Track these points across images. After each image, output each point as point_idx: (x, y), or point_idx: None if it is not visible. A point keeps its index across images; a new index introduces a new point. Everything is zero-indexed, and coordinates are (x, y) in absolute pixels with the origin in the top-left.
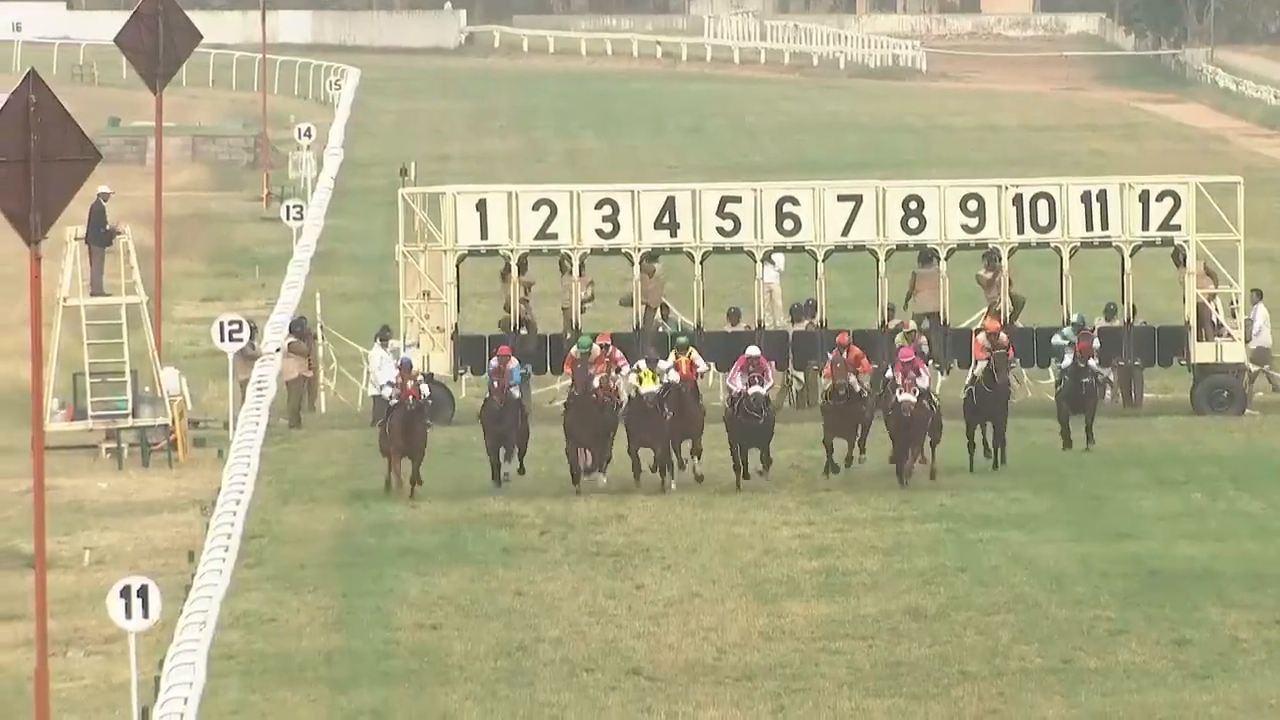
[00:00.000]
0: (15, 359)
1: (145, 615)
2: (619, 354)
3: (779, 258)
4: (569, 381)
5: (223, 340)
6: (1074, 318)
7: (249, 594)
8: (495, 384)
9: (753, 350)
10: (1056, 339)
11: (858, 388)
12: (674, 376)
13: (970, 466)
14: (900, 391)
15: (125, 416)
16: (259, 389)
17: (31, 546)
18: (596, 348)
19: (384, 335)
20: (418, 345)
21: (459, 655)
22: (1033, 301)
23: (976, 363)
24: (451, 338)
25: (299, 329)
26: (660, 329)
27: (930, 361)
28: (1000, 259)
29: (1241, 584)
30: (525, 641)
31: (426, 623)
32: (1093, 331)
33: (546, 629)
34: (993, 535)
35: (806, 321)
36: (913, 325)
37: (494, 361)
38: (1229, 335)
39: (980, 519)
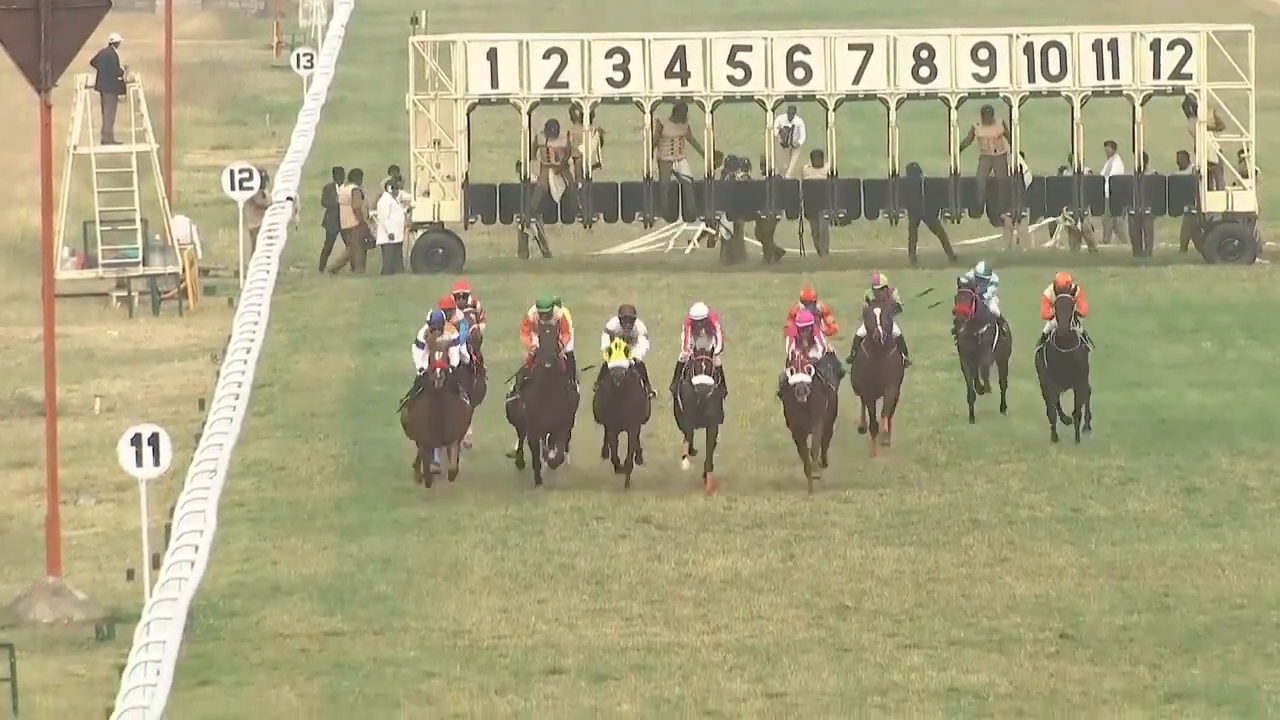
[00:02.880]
0: (26, 207)
1: (156, 463)
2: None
3: (800, 127)
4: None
5: (233, 189)
6: (979, 267)
7: (259, 442)
8: (429, 355)
9: (699, 310)
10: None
11: (829, 346)
12: (645, 348)
13: (1053, 435)
14: (793, 372)
15: (136, 264)
16: (269, 237)
17: (42, 394)
18: (561, 311)
19: (393, 182)
20: (427, 194)
21: (469, 503)
22: (1043, 150)
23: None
24: (462, 186)
25: (356, 180)
26: (673, 178)
27: (901, 311)
28: (995, 113)
29: (1251, 432)
30: (535, 490)
31: (437, 470)
32: (973, 288)
33: (556, 477)
34: None
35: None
36: (883, 279)
37: (424, 326)
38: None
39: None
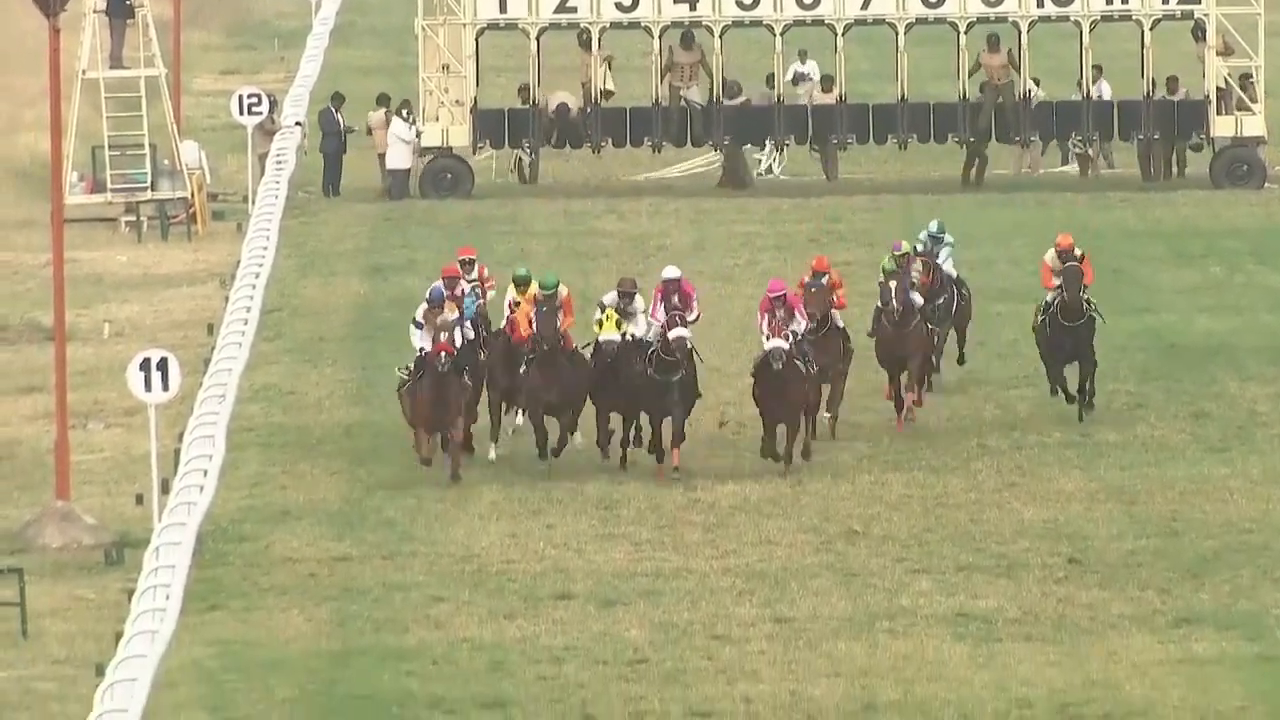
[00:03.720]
0: (35, 132)
1: (165, 388)
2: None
3: (814, 69)
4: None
5: (241, 114)
6: (931, 226)
7: (268, 367)
8: (431, 336)
9: (671, 270)
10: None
11: (840, 322)
12: (641, 326)
13: (1052, 390)
14: (769, 338)
15: (144, 189)
16: (278, 162)
17: (51, 319)
18: (564, 289)
19: (404, 110)
20: (436, 119)
21: (479, 430)
22: (1052, 75)
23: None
24: (470, 112)
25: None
26: (683, 104)
27: (917, 286)
28: (1000, 41)
29: (1260, 357)
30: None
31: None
32: (929, 253)
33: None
34: (1010, 309)
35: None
36: (905, 247)
37: (422, 307)
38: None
39: (1000, 292)
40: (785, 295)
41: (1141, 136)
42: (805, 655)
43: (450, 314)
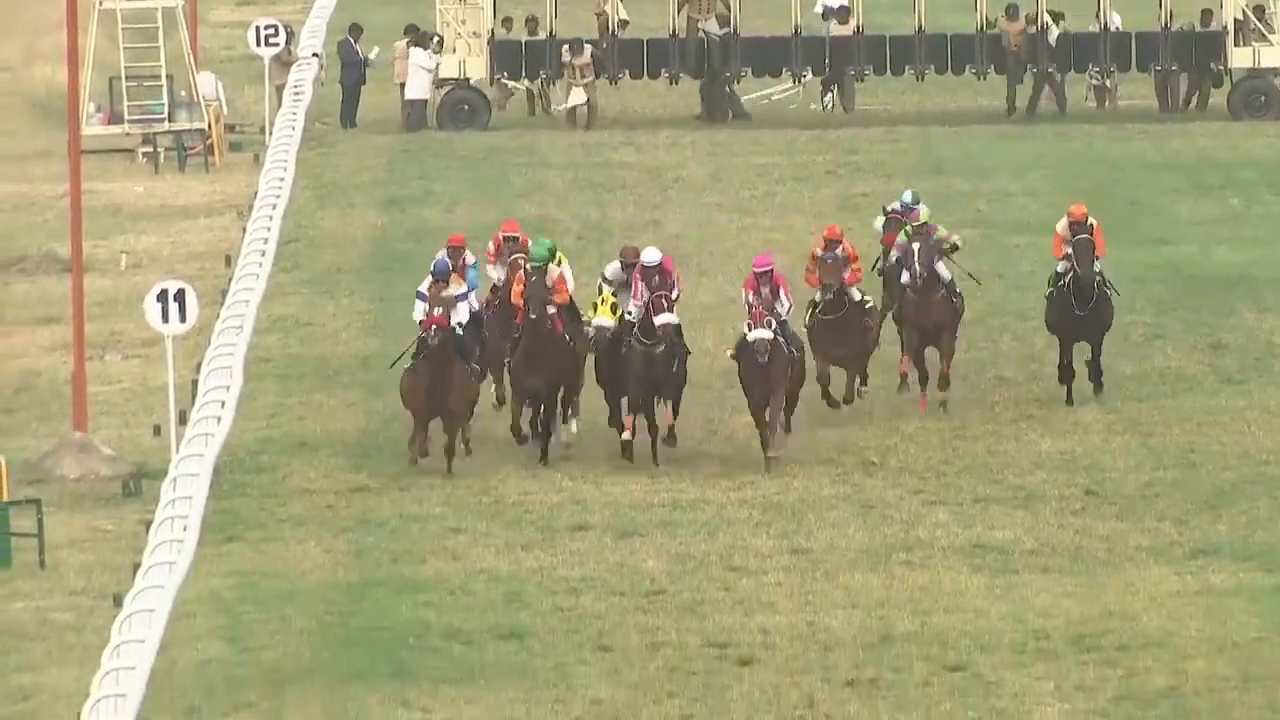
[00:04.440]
0: (52, 62)
1: (182, 319)
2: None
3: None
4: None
5: (259, 44)
6: (905, 196)
7: (285, 298)
8: (430, 311)
9: (651, 255)
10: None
11: (858, 296)
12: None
13: (1068, 398)
14: (751, 327)
15: (161, 120)
16: (295, 94)
17: (69, 250)
18: (554, 268)
19: (421, 39)
20: (454, 50)
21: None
22: (1069, 8)
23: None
24: (488, 43)
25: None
26: (701, 35)
27: (954, 250)
28: (1020, 11)
29: (1278, 288)
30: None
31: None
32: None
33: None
34: (1029, 241)
35: None
36: (924, 215)
37: (427, 280)
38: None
39: (1017, 224)
40: (772, 271)
41: (1159, 68)
42: (822, 586)
43: (456, 287)
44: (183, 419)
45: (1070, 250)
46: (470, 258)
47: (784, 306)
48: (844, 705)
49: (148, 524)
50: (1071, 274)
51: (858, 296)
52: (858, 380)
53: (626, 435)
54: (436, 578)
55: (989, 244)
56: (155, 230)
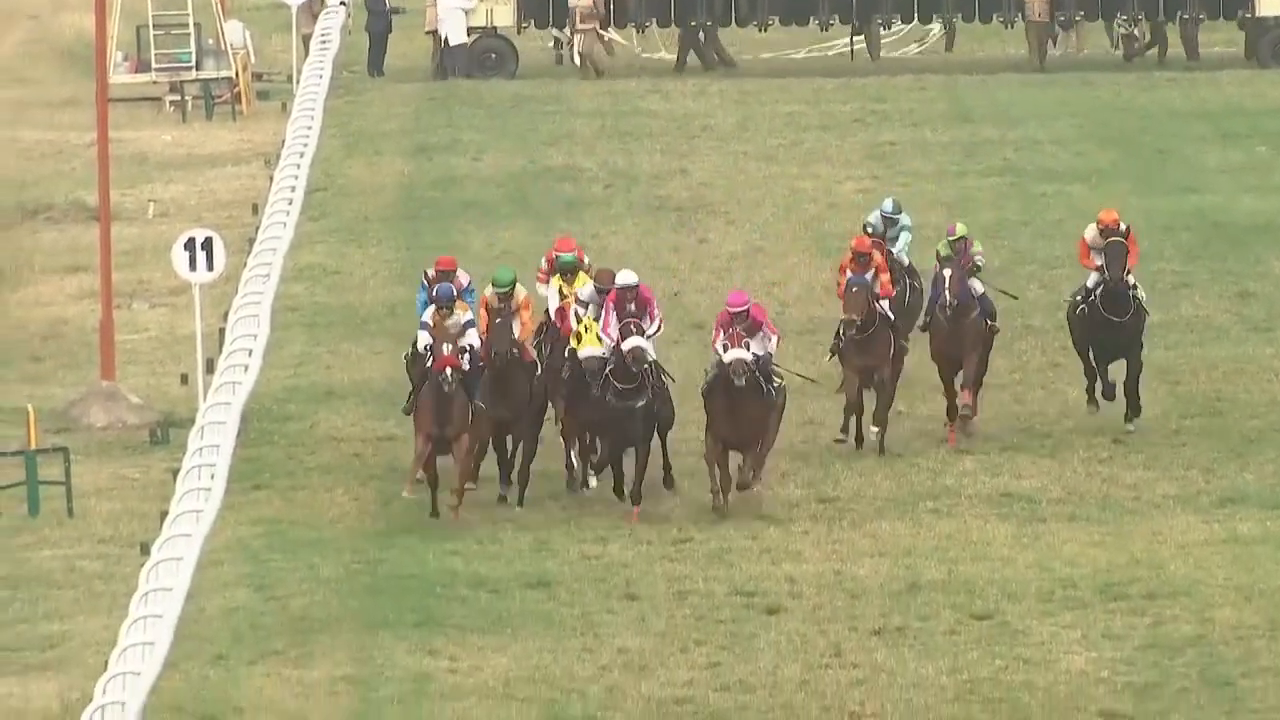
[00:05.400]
0: (79, 11)
1: (209, 267)
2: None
3: None
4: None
5: None
6: (885, 205)
7: (313, 246)
8: (434, 346)
9: (627, 277)
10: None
11: (889, 313)
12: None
13: (1092, 400)
14: (725, 349)
15: (189, 69)
16: (323, 42)
17: (96, 199)
18: (522, 290)
19: None
20: None
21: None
22: None
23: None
24: None
25: None
26: None
27: (979, 271)
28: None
29: None
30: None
31: (490, 274)
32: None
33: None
34: (1056, 189)
35: None
36: (960, 230)
37: (428, 299)
38: None
39: (1044, 172)
40: (748, 310)
41: (1186, 16)
42: (849, 535)
43: (462, 314)
44: (210, 367)
45: (1100, 258)
46: (464, 278)
47: (770, 344)
48: (871, 653)
49: (175, 472)
50: (1100, 285)
51: (889, 312)
52: (886, 404)
53: (589, 485)
54: (464, 526)
55: (1016, 192)
56: (183, 179)
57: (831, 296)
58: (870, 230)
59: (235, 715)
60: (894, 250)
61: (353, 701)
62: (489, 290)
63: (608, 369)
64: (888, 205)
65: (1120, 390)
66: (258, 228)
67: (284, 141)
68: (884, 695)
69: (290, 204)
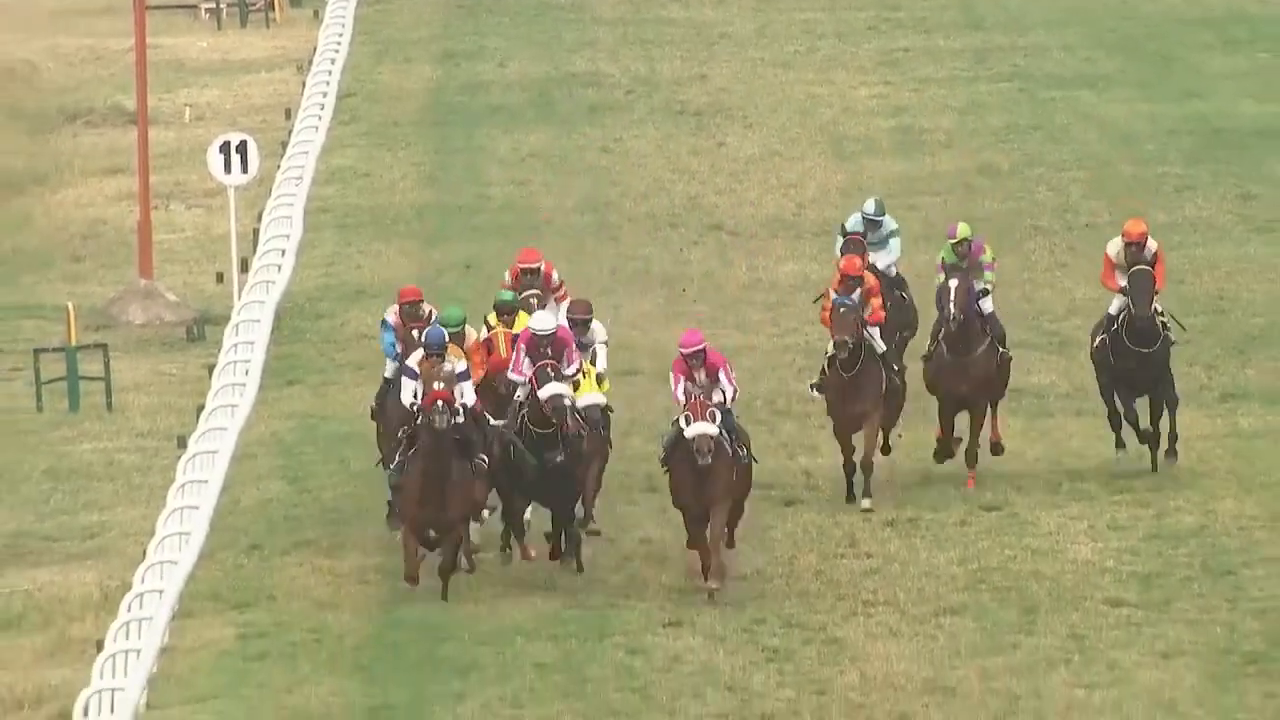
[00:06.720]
0: None
1: (244, 170)
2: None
3: None
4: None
5: None
6: (867, 207)
7: (344, 150)
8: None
9: (543, 322)
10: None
11: (879, 346)
12: (603, 362)
13: (1117, 442)
14: (689, 420)
15: None
16: None
17: (134, 103)
18: (470, 330)
19: None
20: None
21: (547, 209)
22: None
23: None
24: None
25: None
26: None
27: (991, 269)
28: None
29: None
30: (611, 197)
31: (516, 178)
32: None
33: (632, 185)
34: (1064, 94)
35: None
36: (963, 232)
37: (395, 339)
38: None
39: (1052, 78)
40: (704, 351)
41: None
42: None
43: (456, 363)
44: (244, 267)
45: (1124, 280)
46: (426, 309)
47: (726, 394)
48: (884, 544)
49: (211, 368)
50: (1125, 316)
51: (879, 345)
52: (872, 447)
53: (529, 554)
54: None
55: (1026, 98)
56: (217, 84)
57: (847, 197)
58: (847, 233)
59: (269, 603)
60: (880, 265)
61: (382, 590)
62: (480, 328)
63: (520, 416)
64: (869, 207)
65: (1150, 424)
66: (290, 131)
67: (316, 48)
68: (897, 584)
69: (322, 109)
